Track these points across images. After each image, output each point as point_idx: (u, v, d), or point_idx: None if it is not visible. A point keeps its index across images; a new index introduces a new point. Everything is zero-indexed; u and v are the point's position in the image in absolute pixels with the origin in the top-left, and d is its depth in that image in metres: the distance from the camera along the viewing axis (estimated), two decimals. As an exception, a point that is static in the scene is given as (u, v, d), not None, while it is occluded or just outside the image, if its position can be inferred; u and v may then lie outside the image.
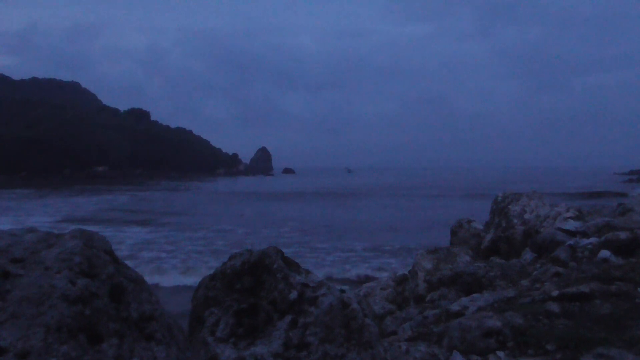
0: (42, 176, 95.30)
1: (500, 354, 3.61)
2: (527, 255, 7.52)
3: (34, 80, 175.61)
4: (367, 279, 14.20)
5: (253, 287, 2.81)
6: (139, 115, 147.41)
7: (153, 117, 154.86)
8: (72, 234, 2.02)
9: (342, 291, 2.92)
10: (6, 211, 41.15)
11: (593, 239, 6.79)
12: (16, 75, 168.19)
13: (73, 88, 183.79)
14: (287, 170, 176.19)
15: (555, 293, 4.68)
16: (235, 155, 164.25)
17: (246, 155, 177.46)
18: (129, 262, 2.26)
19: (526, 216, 9.40)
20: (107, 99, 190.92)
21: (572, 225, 7.89)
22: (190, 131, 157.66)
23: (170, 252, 22.33)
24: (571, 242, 6.91)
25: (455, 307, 5.16)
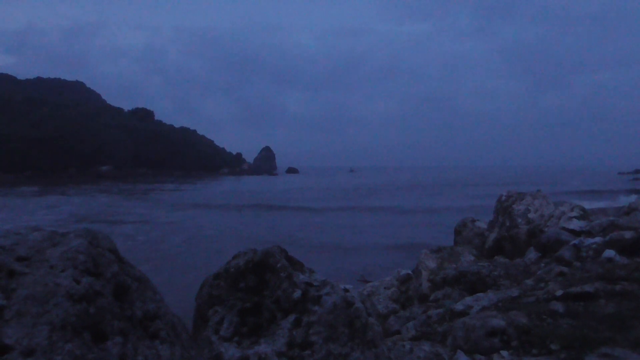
0: (47, 175, 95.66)
1: (505, 353, 3.61)
2: (531, 254, 7.50)
3: (39, 80, 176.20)
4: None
5: (257, 286, 2.81)
6: (143, 115, 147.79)
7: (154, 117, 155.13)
8: (77, 233, 2.03)
9: (346, 290, 2.92)
10: (11, 210, 41.34)
11: (598, 239, 6.77)
12: (14, 74, 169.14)
13: (77, 87, 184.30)
14: (291, 170, 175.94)
15: (559, 292, 4.67)
16: (239, 155, 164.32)
17: (249, 154, 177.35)
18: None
19: (530, 215, 9.38)
20: (107, 98, 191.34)
21: (576, 224, 7.87)
22: (194, 130, 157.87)
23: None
24: (575, 241, 6.88)
25: (459, 306, 5.15)
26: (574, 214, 8.69)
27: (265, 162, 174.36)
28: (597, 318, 4.02)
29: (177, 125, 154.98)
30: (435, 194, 61.82)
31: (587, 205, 10.20)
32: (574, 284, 4.93)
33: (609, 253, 6.12)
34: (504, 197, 10.19)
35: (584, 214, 8.78)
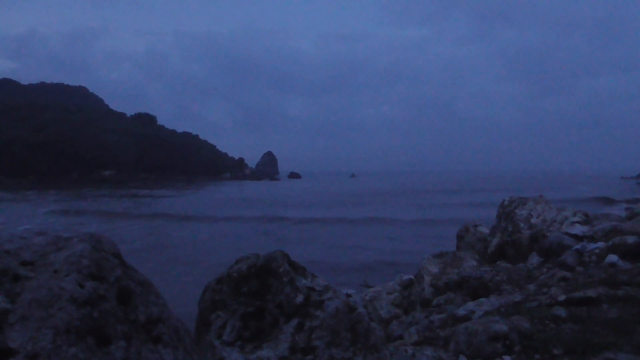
0: (50, 180, 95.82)
1: (507, 358, 3.60)
2: (534, 259, 7.49)
3: (41, 85, 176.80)
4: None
5: (259, 291, 2.82)
6: (146, 120, 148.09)
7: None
8: (81, 237, 2.04)
9: (348, 295, 2.93)
10: (14, 214, 41.41)
11: (600, 244, 6.76)
12: (17, 79, 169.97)
13: (80, 92, 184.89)
14: (293, 175, 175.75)
15: (562, 297, 4.67)
16: (241, 160, 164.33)
17: (251, 159, 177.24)
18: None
19: (533, 220, 9.37)
20: (109, 103, 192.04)
21: (579, 229, 7.86)
22: (197, 135, 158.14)
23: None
24: (578, 246, 6.88)
25: (461, 311, 5.15)
26: (576, 218, 8.67)
27: (268, 167, 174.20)
28: (599, 323, 4.01)
29: (179, 130, 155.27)
30: (437, 201, 61.14)
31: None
32: (576, 289, 4.93)
33: (612, 258, 6.11)
34: (506, 202, 10.18)
35: (587, 219, 8.76)
